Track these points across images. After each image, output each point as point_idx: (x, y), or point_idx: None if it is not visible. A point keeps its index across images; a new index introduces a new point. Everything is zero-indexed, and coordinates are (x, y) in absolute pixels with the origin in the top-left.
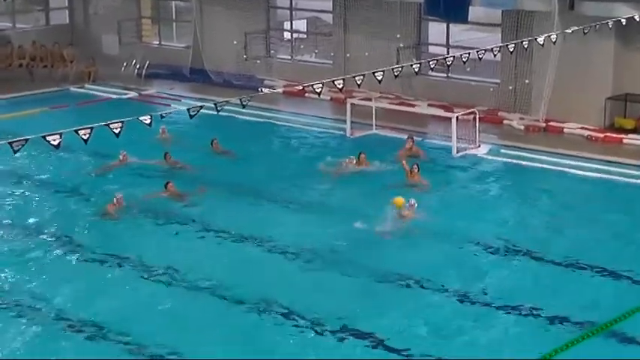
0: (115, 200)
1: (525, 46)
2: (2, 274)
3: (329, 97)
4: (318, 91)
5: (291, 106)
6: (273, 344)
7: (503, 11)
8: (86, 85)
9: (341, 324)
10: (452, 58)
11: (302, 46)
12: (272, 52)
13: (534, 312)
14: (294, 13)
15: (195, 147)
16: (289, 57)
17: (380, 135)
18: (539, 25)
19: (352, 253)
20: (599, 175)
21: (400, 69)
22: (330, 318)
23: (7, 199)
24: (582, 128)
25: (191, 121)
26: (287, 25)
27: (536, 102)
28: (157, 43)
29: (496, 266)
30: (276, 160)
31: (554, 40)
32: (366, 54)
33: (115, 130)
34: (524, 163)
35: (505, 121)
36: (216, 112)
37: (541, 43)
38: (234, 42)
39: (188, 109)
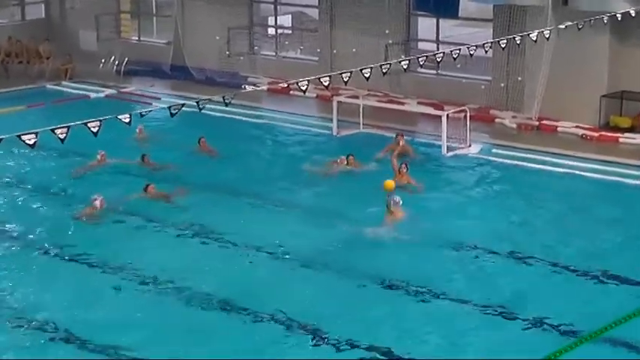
0: (94, 203)
1: (518, 42)
2: None
3: (315, 95)
4: (303, 88)
5: (276, 104)
6: (254, 347)
7: (494, 6)
8: (63, 82)
9: (328, 327)
10: (442, 55)
11: (287, 42)
12: (256, 48)
13: (531, 316)
14: (278, 7)
15: (177, 146)
16: (274, 53)
17: (367, 134)
18: (531, 20)
19: (339, 256)
20: (594, 175)
21: (389, 66)
22: (317, 321)
23: None
24: (577, 127)
25: (172, 119)
26: (271, 20)
27: (529, 100)
28: (137, 38)
29: (487, 269)
30: (259, 160)
31: (547, 36)
32: (354, 50)
33: (92, 130)
34: (516, 163)
35: (497, 120)
36: (198, 111)
37: (534, 39)
38: (217, 38)
39: (169, 108)
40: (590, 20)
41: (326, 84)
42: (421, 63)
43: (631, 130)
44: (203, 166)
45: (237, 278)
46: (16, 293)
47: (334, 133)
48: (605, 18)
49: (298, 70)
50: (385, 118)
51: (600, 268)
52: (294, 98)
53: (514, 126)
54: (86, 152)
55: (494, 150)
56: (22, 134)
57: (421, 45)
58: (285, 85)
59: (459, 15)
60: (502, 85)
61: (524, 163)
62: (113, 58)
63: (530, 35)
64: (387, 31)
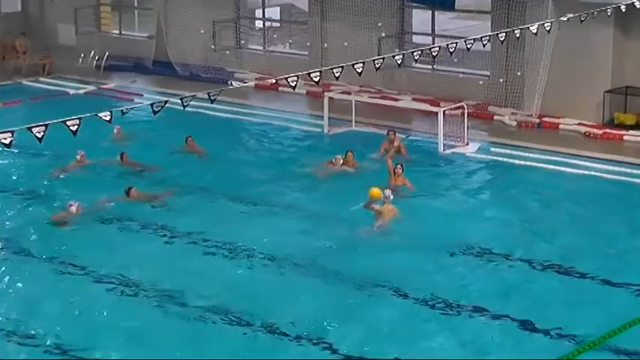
0: (69, 208)
1: (517, 36)
2: None
3: (305, 91)
4: (292, 84)
5: (264, 101)
6: (243, 352)
7: None
8: (40, 79)
9: (320, 331)
10: (438, 49)
11: (275, 36)
12: (243, 42)
13: (529, 319)
14: None
15: (159, 145)
16: (261, 47)
17: (360, 132)
18: (532, 12)
19: (331, 258)
20: (597, 174)
21: (382, 60)
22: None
23: None
24: (579, 124)
25: (155, 117)
26: (259, 12)
27: (529, 96)
28: (118, 32)
29: (485, 271)
30: (246, 160)
31: (548, 29)
32: (345, 44)
33: (72, 128)
34: (516, 161)
35: (496, 117)
36: (182, 108)
37: (534, 31)
38: (202, 31)
39: (151, 105)
40: (594, 12)
41: (316, 79)
42: (416, 57)
43: (636, 127)
44: (190, 166)
45: (226, 281)
46: None
47: (325, 132)
48: (609, 9)
49: (287, 65)
50: (378, 116)
51: (600, 268)
52: (283, 95)
53: (514, 123)
54: (66, 153)
55: (492, 148)
56: None
57: (416, 38)
58: (274, 81)
59: (456, 7)
60: (501, 80)
61: (525, 162)
62: (93, 52)
63: (531, 28)
64: (380, 24)
